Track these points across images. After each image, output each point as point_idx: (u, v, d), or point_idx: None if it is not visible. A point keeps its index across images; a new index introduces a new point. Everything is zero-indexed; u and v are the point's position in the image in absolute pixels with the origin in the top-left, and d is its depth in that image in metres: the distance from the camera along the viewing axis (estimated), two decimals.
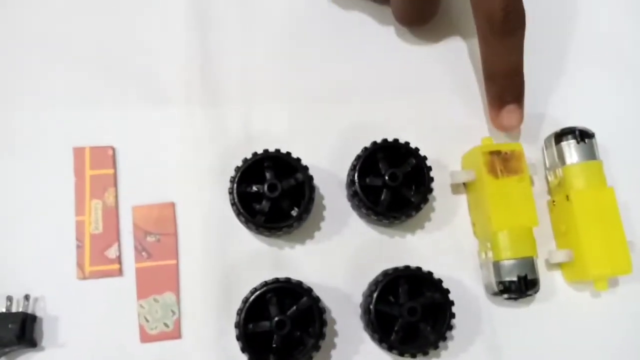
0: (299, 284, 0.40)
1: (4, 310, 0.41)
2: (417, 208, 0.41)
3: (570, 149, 0.43)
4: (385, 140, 0.42)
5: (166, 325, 0.42)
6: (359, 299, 0.42)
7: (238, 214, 0.41)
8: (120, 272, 0.43)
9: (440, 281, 0.40)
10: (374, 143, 0.42)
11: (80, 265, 0.43)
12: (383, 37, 0.48)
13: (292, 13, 0.48)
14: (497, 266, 0.41)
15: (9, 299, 0.41)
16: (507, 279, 0.41)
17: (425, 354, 0.39)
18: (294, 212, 0.42)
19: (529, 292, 0.41)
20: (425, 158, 0.42)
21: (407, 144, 0.42)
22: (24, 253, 0.43)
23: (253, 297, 0.39)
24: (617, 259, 0.41)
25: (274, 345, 0.39)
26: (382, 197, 0.42)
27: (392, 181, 0.41)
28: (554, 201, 0.44)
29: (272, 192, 0.40)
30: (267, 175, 0.41)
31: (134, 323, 0.42)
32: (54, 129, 0.45)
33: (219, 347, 0.41)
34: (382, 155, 0.42)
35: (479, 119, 0.47)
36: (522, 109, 0.44)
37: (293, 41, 0.47)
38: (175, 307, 0.42)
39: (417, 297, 0.40)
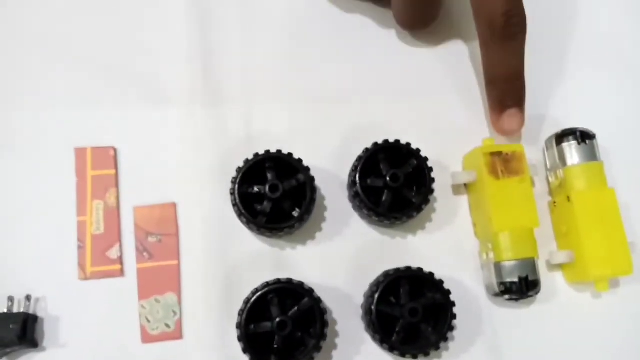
0: (301, 284, 0.40)
1: (5, 310, 0.41)
2: (419, 209, 0.42)
3: (571, 150, 0.43)
4: (386, 141, 0.42)
5: (167, 325, 0.42)
6: (360, 299, 0.42)
7: (239, 215, 0.41)
8: (121, 273, 0.43)
9: (441, 282, 0.40)
10: (376, 144, 0.42)
11: (81, 266, 0.43)
12: (384, 38, 0.48)
13: (293, 14, 0.48)
14: (498, 267, 0.41)
15: (11, 299, 0.41)
16: (508, 279, 0.41)
17: (427, 354, 0.39)
18: (295, 213, 0.42)
19: (530, 293, 0.41)
20: (426, 159, 0.42)
21: (408, 144, 0.42)
22: (25, 253, 0.43)
23: (254, 297, 0.39)
24: (618, 260, 0.41)
25: (276, 346, 0.39)
26: (384, 198, 0.42)
27: (394, 182, 0.41)
28: (555, 202, 0.45)
29: (273, 193, 0.40)
30: (269, 176, 0.41)
31: (135, 323, 0.42)
32: (56, 130, 0.45)
33: (221, 347, 0.41)
34: (384, 156, 0.42)
35: (480, 120, 0.47)
36: (523, 113, 0.44)
37: (294, 42, 0.47)
38: (176, 308, 0.42)
39: (419, 298, 0.40)
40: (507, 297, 0.42)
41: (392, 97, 0.47)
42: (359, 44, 0.48)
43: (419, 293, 0.40)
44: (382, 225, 0.44)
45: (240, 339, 0.38)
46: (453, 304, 0.40)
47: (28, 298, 0.41)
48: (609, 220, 0.42)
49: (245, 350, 0.38)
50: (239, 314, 0.39)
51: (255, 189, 0.41)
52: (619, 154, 0.46)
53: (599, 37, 0.49)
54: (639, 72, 0.49)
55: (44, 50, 0.47)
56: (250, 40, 0.47)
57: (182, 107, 0.46)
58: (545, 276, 0.43)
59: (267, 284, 0.40)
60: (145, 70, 0.46)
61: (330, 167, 0.45)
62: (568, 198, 0.42)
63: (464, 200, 0.45)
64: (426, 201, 0.41)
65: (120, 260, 0.43)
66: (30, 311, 0.41)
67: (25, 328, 0.40)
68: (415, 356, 0.39)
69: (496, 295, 0.42)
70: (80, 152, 0.44)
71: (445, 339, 0.39)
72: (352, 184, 0.42)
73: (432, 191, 0.42)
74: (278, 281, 0.40)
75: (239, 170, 0.41)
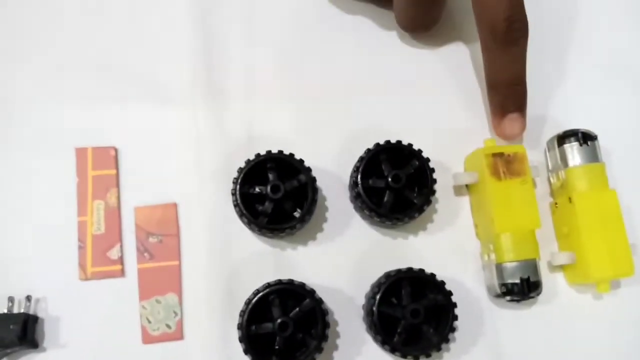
0: (302, 285, 0.40)
1: (5, 311, 0.41)
2: (420, 210, 0.41)
3: (573, 151, 0.43)
4: (388, 142, 0.42)
5: (168, 326, 0.42)
6: (361, 300, 0.42)
7: (241, 215, 0.41)
8: (122, 273, 0.43)
9: (443, 283, 0.40)
10: (377, 145, 0.42)
11: (82, 266, 0.43)
12: (386, 39, 0.48)
13: (296, 14, 0.48)
14: (499, 268, 0.41)
15: (11, 299, 0.41)
16: (510, 281, 0.41)
17: (428, 356, 0.39)
18: (296, 214, 0.42)
19: (532, 294, 0.41)
20: (428, 160, 0.42)
21: (410, 145, 0.42)
22: (25, 253, 0.43)
23: (256, 298, 0.39)
24: (619, 262, 0.41)
25: (277, 347, 0.39)
26: (385, 198, 0.42)
27: (395, 183, 0.41)
28: (556, 203, 0.45)
29: (275, 194, 0.40)
30: (270, 176, 0.41)
31: (136, 324, 0.42)
32: (57, 130, 0.45)
33: (222, 348, 0.41)
34: (385, 157, 0.42)
35: (482, 121, 0.47)
36: (524, 117, 0.44)
37: (296, 42, 0.47)
38: (177, 308, 0.42)
39: (420, 299, 0.40)
40: (508, 298, 0.41)
41: (394, 98, 0.47)
42: (361, 45, 0.48)
43: (420, 294, 0.40)
44: (384, 226, 0.44)
45: (241, 339, 0.38)
46: (454, 305, 0.40)
47: (28, 298, 0.41)
48: (611, 222, 0.42)
49: (246, 351, 0.38)
50: (240, 315, 0.39)
51: (257, 189, 0.41)
52: (620, 155, 0.46)
53: (601, 38, 0.49)
54: None
55: (45, 50, 0.46)
56: (253, 40, 0.47)
57: (183, 107, 0.46)
58: (547, 277, 0.43)
59: (269, 285, 0.39)
60: (146, 70, 0.46)
61: (332, 167, 0.45)
62: (569, 199, 0.42)
63: (465, 201, 0.45)
64: (428, 202, 0.41)
65: (121, 260, 0.43)
66: (31, 311, 0.41)
67: (25, 328, 0.40)
68: (416, 357, 0.39)
69: (497, 296, 0.42)
70: (81, 152, 0.44)
71: (447, 340, 0.39)
72: (353, 184, 0.42)
73: (433, 192, 0.42)
74: (279, 282, 0.40)
75: (240, 170, 0.41)
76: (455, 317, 0.40)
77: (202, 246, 0.43)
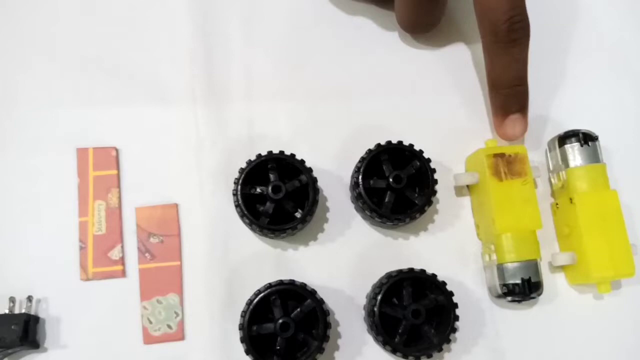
0: (303, 286, 0.40)
1: (6, 311, 0.41)
2: (421, 210, 0.41)
3: (574, 151, 0.43)
4: (389, 143, 0.42)
5: (169, 326, 0.42)
6: (362, 301, 0.42)
7: (242, 216, 0.41)
8: (123, 274, 0.43)
9: (444, 283, 0.40)
10: (378, 145, 0.42)
11: (83, 267, 0.43)
12: (387, 39, 0.48)
13: (297, 14, 0.48)
14: (500, 269, 0.41)
15: (12, 300, 0.41)
16: (511, 281, 0.41)
17: (429, 356, 0.39)
18: (297, 214, 0.42)
19: (533, 295, 0.41)
20: (429, 160, 0.42)
21: (411, 146, 0.42)
22: (26, 254, 0.43)
23: (257, 299, 0.39)
24: (620, 262, 0.41)
25: (278, 348, 0.39)
26: (386, 199, 0.42)
27: (396, 183, 0.41)
28: (557, 204, 0.45)
29: (276, 194, 0.40)
30: (271, 176, 0.41)
31: (137, 324, 0.42)
32: (58, 130, 0.45)
33: (223, 349, 0.41)
34: (386, 158, 0.42)
35: (483, 121, 0.47)
36: (526, 118, 0.44)
37: (297, 43, 0.47)
38: (178, 309, 0.42)
39: (421, 300, 0.40)
40: (509, 298, 0.42)
41: (395, 99, 0.47)
42: (362, 45, 0.48)
43: (421, 294, 0.40)
44: (385, 227, 0.44)
45: (242, 340, 0.38)
46: (456, 305, 0.40)
47: (29, 299, 0.41)
48: (611, 222, 0.42)
49: (247, 352, 0.38)
50: (242, 315, 0.39)
51: (258, 189, 0.41)
52: (621, 155, 0.46)
53: (602, 38, 0.49)
54: None
55: (46, 50, 0.46)
56: (253, 41, 0.47)
57: (184, 108, 0.46)
58: (547, 278, 0.43)
59: (270, 285, 0.39)
60: (147, 70, 0.46)
61: (333, 168, 0.45)
62: (570, 200, 0.42)
63: (466, 201, 0.45)
64: (429, 202, 0.41)
65: (122, 261, 0.43)
66: (32, 312, 0.41)
67: (26, 329, 0.40)
68: (417, 358, 0.39)
69: (499, 296, 0.42)
70: (82, 153, 0.44)
71: (448, 341, 0.39)
72: (354, 185, 0.42)
73: (434, 192, 0.42)
74: (281, 282, 0.40)
75: (241, 171, 0.41)
76: (457, 318, 0.40)
77: (203, 246, 0.43)
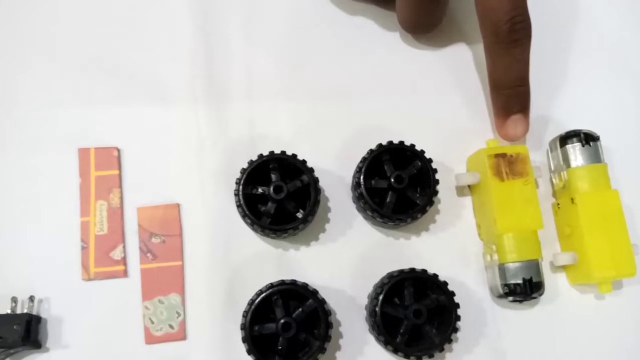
0: (305, 286, 0.40)
1: (8, 311, 0.41)
2: (423, 210, 0.41)
3: (575, 151, 0.43)
4: (390, 143, 0.42)
5: (171, 326, 0.42)
6: (364, 301, 0.42)
7: (243, 216, 0.41)
8: (125, 274, 0.43)
9: (445, 283, 0.40)
10: (380, 145, 0.42)
11: (85, 267, 0.43)
12: (388, 39, 0.48)
13: (298, 14, 0.48)
14: (502, 269, 0.41)
15: (14, 300, 0.41)
16: (512, 281, 0.41)
17: (431, 356, 0.39)
18: (299, 214, 0.42)
19: (534, 295, 0.41)
20: (430, 160, 0.42)
21: (412, 146, 0.42)
22: (28, 254, 0.43)
23: (259, 299, 0.39)
24: (621, 262, 0.41)
25: (280, 348, 0.39)
26: (388, 199, 0.42)
27: (398, 183, 0.41)
28: (558, 204, 0.45)
29: (277, 194, 0.40)
30: (273, 177, 0.41)
31: (138, 324, 0.42)
32: (59, 130, 0.45)
33: (224, 349, 0.41)
34: (388, 158, 0.42)
35: (484, 121, 0.47)
36: (527, 118, 0.44)
37: (299, 42, 0.47)
38: (180, 309, 0.42)
39: (423, 300, 0.40)
40: (511, 298, 0.42)
41: (396, 99, 0.47)
42: (363, 45, 0.48)
43: (423, 294, 0.40)
44: (386, 227, 0.44)
45: (244, 340, 0.38)
46: (457, 305, 0.40)
47: (31, 299, 0.41)
48: (613, 222, 0.42)
49: (249, 352, 0.38)
50: (243, 315, 0.39)
51: (260, 190, 0.41)
52: (623, 155, 0.46)
53: (603, 38, 0.49)
54: None
55: (47, 50, 0.46)
56: (254, 41, 0.47)
57: (186, 108, 0.46)
58: (549, 278, 0.43)
59: (272, 285, 0.39)
60: (149, 70, 0.46)
61: (334, 168, 0.45)
62: (572, 200, 0.42)
63: (468, 201, 0.45)
64: (430, 203, 0.41)
65: (123, 261, 0.43)
66: (34, 312, 0.41)
67: (28, 329, 0.40)
68: (419, 358, 0.39)
69: (500, 296, 0.42)
70: (83, 153, 0.44)
71: (450, 341, 0.39)
72: (356, 185, 0.42)
73: (436, 193, 0.42)
74: (282, 282, 0.40)
75: (243, 171, 0.41)
76: (458, 318, 0.40)
77: (205, 246, 0.43)
